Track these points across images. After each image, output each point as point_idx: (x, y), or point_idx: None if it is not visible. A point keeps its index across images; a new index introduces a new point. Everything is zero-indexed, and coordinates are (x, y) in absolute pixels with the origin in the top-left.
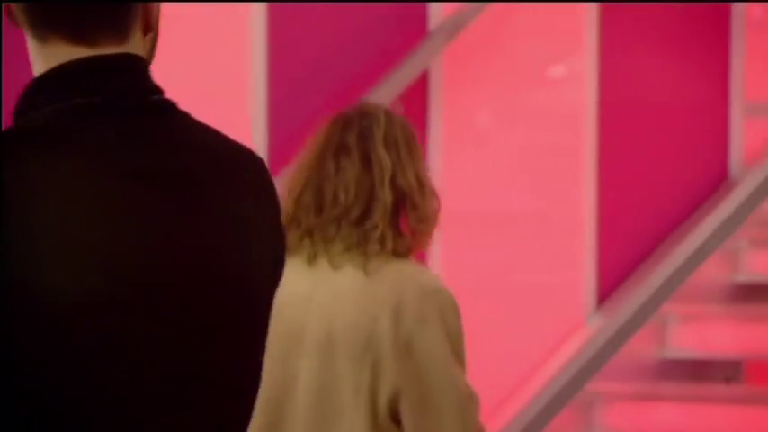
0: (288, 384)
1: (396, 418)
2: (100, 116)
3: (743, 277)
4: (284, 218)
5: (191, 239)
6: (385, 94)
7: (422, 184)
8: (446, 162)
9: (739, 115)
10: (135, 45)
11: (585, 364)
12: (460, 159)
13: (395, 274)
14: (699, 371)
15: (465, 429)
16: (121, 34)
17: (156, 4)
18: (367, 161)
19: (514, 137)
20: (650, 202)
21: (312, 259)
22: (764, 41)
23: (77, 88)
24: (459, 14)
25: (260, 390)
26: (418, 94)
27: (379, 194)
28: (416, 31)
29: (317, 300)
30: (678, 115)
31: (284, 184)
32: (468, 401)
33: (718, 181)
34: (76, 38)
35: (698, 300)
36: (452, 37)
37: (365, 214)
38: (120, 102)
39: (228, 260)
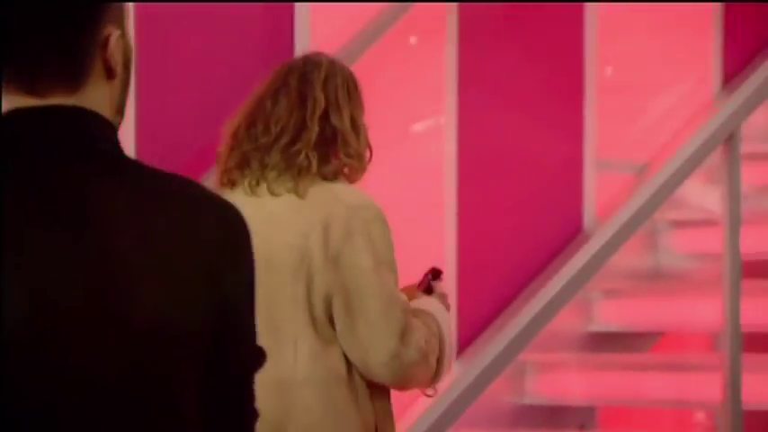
0: None
1: (333, 322)
2: (24, 161)
3: (596, 327)
4: (224, 150)
5: (96, 280)
6: None
7: (356, 127)
8: None
9: (592, 171)
10: (91, 94)
11: (445, 411)
12: None
13: (324, 194)
14: (555, 417)
15: (389, 329)
16: (71, 86)
17: (120, 50)
18: (303, 98)
19: (376, 190)
20: (509, 253)
21: (254, 187)
22: (615, 103)
23: (13, 135)
24: None
25: None
26: None
27: (308, 126)
28: None
29: (256, 227)
30: (535, 171)
31: (227, 124)
32: (393, 304)
33: (574, 233)
34: (25, 90)
35: (554, 348)
36: None
37: (293, 141)
38: (48, 150)
39: (136, 302)
